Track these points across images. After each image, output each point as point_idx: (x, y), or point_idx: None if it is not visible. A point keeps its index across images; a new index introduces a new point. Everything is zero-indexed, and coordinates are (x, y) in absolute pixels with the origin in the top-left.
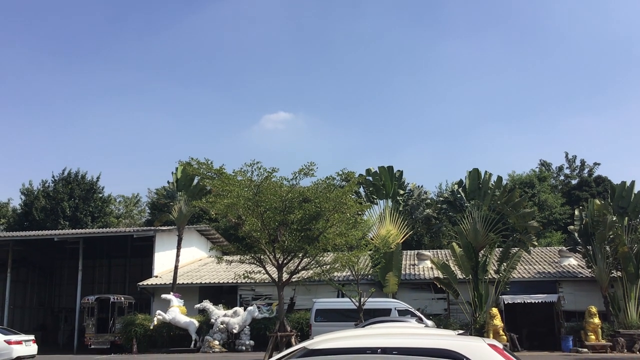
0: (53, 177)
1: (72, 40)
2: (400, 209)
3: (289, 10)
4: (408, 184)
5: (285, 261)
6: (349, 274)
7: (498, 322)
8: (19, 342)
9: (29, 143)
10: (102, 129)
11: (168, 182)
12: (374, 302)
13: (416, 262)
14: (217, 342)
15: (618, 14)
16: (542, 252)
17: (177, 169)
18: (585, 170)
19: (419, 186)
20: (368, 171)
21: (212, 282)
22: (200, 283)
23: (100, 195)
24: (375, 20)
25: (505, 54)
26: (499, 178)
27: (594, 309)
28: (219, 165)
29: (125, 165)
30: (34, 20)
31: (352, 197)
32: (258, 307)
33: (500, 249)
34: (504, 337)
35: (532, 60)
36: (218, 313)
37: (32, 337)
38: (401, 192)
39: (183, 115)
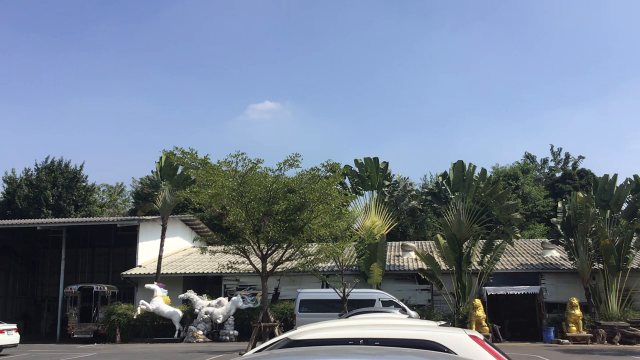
0: (36, 165)
1: (55, 25)
2: (386, 200)
3: None
4: (394, 175)
5: (269, 252)
6: (333, 264)
7: (481, 313)
8: (1, 331)
9: (11, 131)
10: (87, 117)
11: (152, 172)
12: (358, 293)
13: (401, 253)
14: (201, 332)
15: (601, 7)
16: (525, 244)
17: (161, 158)
18: (570, 164)
19: (404, 178)
20: (355, 162)
21: (196, 272)
22: (185, 273)
23: (84, 184)
24: (362, 9)
25: (492, 46)
26: (483, 170)
27: (575, 301)
28: (204, 155)
29: (109, 154)
30: (15, 3)
31: (337, 188)
32: (242, 297)
33: (484, 241)
34: (487, 327)
35: (518, 53)
36: (202, 303)
37: (14, 326)
38: (387, 183)
39: (168, 104)
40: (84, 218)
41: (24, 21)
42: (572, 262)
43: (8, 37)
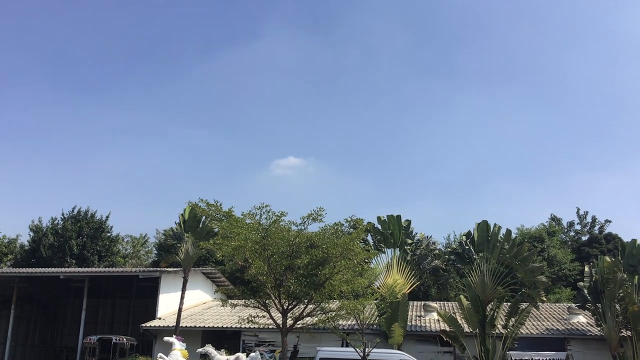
0: (63, 214)
1: (86, 79)
2: (408, 258)
3: (302, 57)
4: (417, 233)
5: (290, 306)
6: (354, 322)
7: None
8: None
9: (40, 180)
10: (114, 168)
11: (175, 223)
12: (378, 353)
13: (423, 313)
14: None
15: (628, 70)
16: (551, 308)
17: (185, 209)
18: (596, 227)
19: (427, 236)
20: (377, 219)
21: (215, 326)
22: (204, 327)
23: (109, 234)
24: (389, 70)
25: (517, 107)
26: (508, 231)
27: None
28: (228, 207)
29: (134, 206)
30: (48, 57)
31: (360, 244)
32: (261, 354)
33: (509, 304)
34: None
35: (544, 115)
36: (220, 358)
37: None
38: (409, 241)
39: (193, 158)
40: (107, 268)
41: (54, 76)
42: (599, 328)
43: (37, 92)
